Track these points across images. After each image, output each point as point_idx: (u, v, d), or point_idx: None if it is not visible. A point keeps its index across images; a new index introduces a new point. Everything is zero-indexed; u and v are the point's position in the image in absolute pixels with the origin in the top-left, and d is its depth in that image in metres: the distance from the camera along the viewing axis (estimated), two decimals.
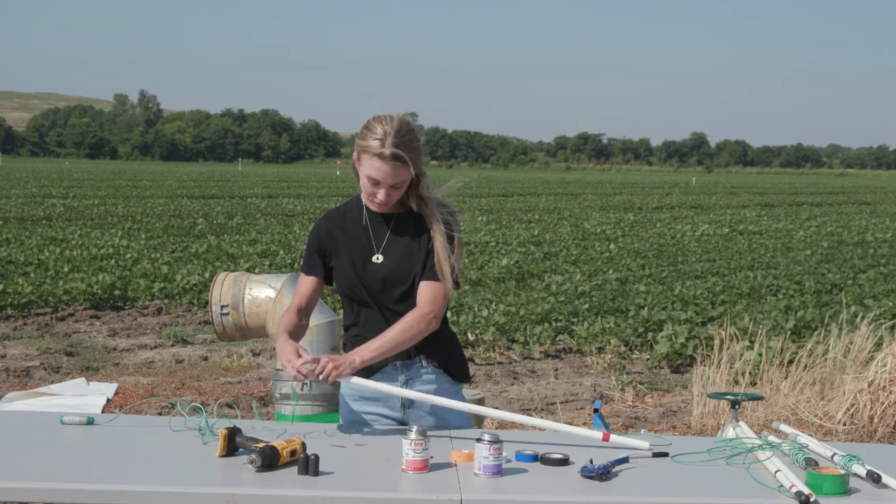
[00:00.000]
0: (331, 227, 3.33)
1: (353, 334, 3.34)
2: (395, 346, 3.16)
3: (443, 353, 3.32)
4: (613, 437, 3.07)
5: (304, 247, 3.38)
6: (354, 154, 3.21)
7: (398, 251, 3.26)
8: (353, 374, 3.14)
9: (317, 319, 4.72)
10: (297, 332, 3.29)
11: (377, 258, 3.26)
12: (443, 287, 3.21)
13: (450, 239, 3.23)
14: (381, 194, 3.16)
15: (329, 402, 4.78)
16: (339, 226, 3.32)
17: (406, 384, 3.27)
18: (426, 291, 3.21)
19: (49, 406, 6.75)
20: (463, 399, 3.41)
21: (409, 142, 3.13)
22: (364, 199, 3.28)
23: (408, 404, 3.30)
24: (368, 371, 3.24)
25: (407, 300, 3.25)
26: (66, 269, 13.11)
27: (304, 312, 3.34)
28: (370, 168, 3.13)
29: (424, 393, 3.24)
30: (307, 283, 3.35)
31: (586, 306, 11.04)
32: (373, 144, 3.11)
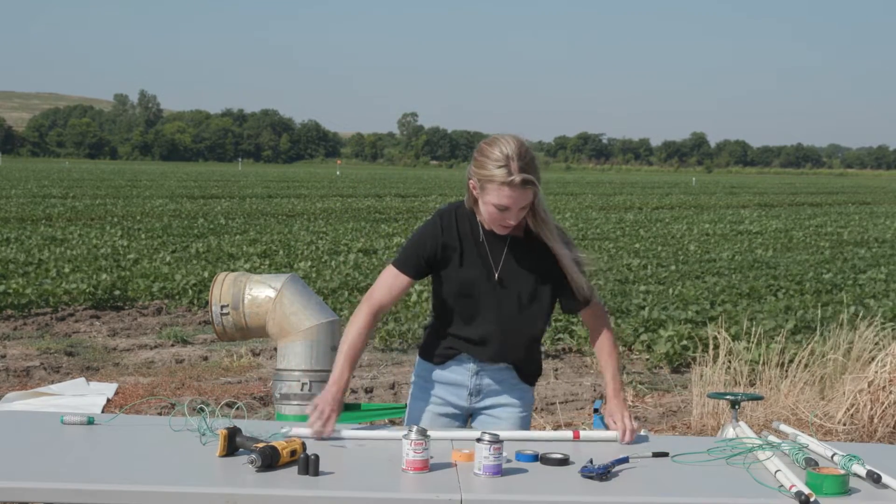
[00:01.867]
0: (447, 233, 3.26)
1: (441, 328, 3.37)
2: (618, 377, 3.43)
3: (521, 360, 3.39)
4: (584, 434, 3.14)
5: (409, 240, 3.31)
6: (472, 181, 3.16)
7: (517, 272, 3.27)
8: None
9: (317, 319, 4.71)
10: (363, 351, 3.30)
11: (496, 277, 3.26)
12: (599, 303, 3.41)
13: (575, 257, 3.27)
14: (511, 219, 3.15)
15: None
16: (453, 234, 3.26)
17: (476, 374, 3.35)
18: (597, 315, 3.39)
19: (49, 406, 6.75)
20: (529, 398, 3.47)
21: (531, 161, 3.10)
22: (487, 224, 3.23)
23: (475, 393, 3.37)
24: (444, 357, 3.36)
25: (516, 318, 3.29)
26: (66, 269, 13.11)
27: (384, 312, 3.34)
28: (499, 197, 3.09)
29: (490, 384, 3.37)
30: (401, 281, 3.28)
31: None
32: (498, 173, 3.06)
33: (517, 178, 3.05)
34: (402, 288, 3.29)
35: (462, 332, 3.33)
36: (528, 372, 3.44)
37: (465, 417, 3.43)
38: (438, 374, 3.40)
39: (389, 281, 3.29)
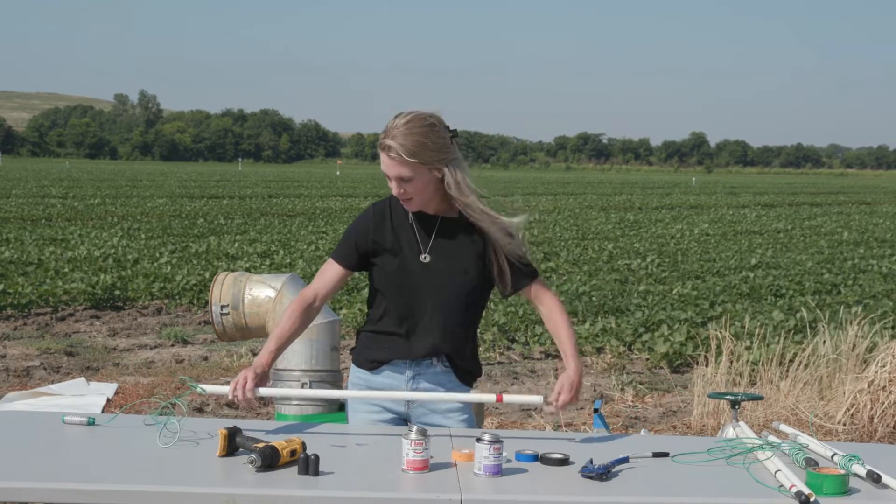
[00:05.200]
0: (377, 223, 3.27)
1: (370, 329, 3.34)
2: (573, 338, 3.28)
3: (456, 352, 3.30)
4: (506, 397, 3.16)
5: (343, 232, 3.36)
6: None
7: (446, 253, 3.24)
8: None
9: (317, 319, 4.71)
10: (292, 337, 3.27)
11: (425, 258, 3.24)
12: (540, 279, 3.35)
13: (507, 233, 3.23)
14: (393, 187, 3.17)
15: (329, 402, 4.78)
16: (385, 222, 3.27)
17: (412, 379, 3.28)
18: (541, 289, 3.32)
19: (49, 406, 6.75)
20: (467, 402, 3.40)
21: (415, 135, 3.08)
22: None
23: (412, 399, 3.31)
24: (378, 363, 3.29)
25: (446, 302, 3.24)
26: (66, 269, 13.11)
27: (319, 300, 3.31)
28: (382, 163, 3.15)
29: (427, 388, 3.28)
30: (335, 271, 3.30)
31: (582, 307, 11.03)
32: (380, 137, 3.14)
33: (385, 142, 3.10)
34: (334, 278, 3.31)
35: (395, 326, 3.26)
36: (466, 370, 3.33)
37: (404, 422, 3.31)
38: (373, 380, 3.32)
39: (324, 270, 3.33)
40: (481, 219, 3.21)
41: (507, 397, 3.15)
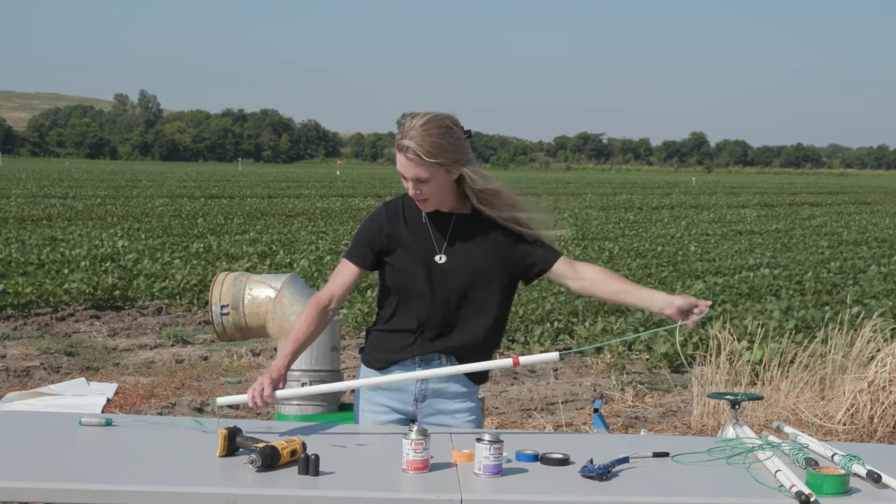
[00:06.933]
0: (391, 221, 3.25)
1: (380, 328, 3.33)
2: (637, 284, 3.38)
3: (466, 352, 3.27)
4: (523, 359, 3.19)
5: (356, 232, 3.34)
6: None
7: (462, 252, 3.23)
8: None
9: None
10: (309, 340, 3.27)
11: (440, 258, 3.22)
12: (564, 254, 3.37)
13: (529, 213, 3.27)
14: (409, 188, 3.16)
15: (329, 402, 4.78)
16: (398, 221, 3.25)
17: (421, 379, 3.26)
18: (573, 263, 3.37)
19: (49, 406, 6.75)
20: (476, 400, 3.39)
21: (433, 136, 3.07)
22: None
23: (420, 399, 3.29)
24: (387, 363, 3.28)
25: (458, 301, 3.22)
26: (66, 270, 13.11)
27: (334, 302, 3.29)
28: (398, 163, 3.13)
29: (436, 388, 3.28)
30: (350, 271, 3.29)
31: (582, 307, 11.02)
32: (396, 138, 3.12)
33: (403, 143, 3.08)
34: (349, 278, 3.29)
35: (405, 325, 3.24)
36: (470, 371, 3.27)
37: (413, 423, 3.25)
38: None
39: (338, 271, 3.31)
40: (505, 216, 3.22)
41: (523, 359, 3.17)
